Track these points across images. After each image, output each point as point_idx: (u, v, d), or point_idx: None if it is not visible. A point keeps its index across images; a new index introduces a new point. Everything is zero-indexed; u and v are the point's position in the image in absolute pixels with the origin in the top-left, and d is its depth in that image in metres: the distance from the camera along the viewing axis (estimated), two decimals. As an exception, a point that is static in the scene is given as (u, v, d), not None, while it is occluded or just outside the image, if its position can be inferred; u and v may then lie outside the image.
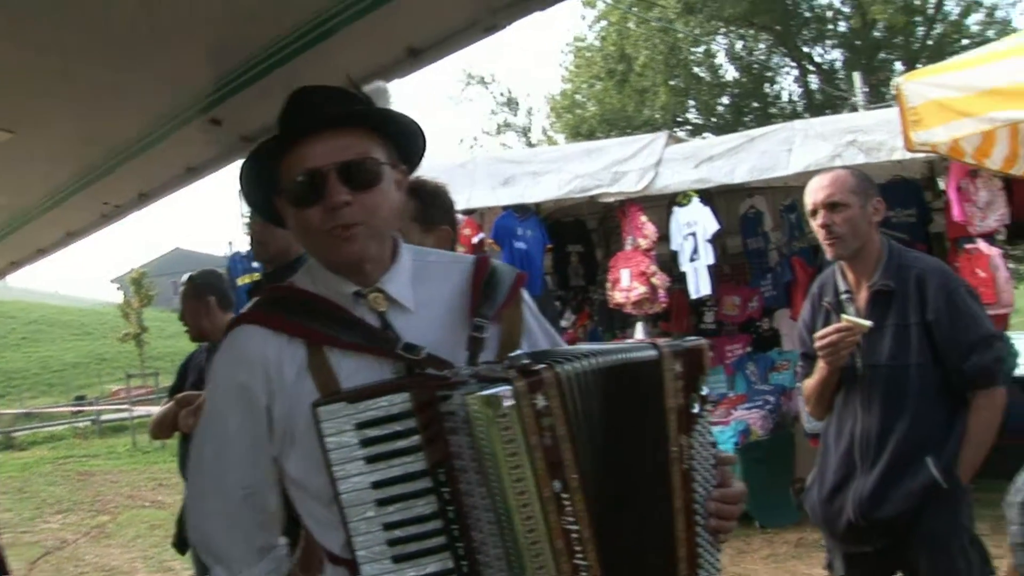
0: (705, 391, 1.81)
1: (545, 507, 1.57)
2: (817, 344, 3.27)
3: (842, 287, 3.44)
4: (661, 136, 8.08)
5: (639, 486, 1.74)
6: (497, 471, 1.56)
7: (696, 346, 1.80)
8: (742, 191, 8.52)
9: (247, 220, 3.71)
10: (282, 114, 1.78)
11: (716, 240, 7.90)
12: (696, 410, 1.78)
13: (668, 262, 8.09)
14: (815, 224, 3.40)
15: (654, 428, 1.75)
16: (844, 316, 3.28)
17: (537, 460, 1.56)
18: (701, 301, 8.57)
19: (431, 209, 3.14)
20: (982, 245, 6.02)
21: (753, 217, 8.84)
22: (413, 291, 1.85)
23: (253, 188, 1.88)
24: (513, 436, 1.54)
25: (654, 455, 1.75)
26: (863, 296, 3.37)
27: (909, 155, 5.04)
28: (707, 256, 7.79)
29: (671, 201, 7.93)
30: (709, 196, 7.83)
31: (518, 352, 1.67)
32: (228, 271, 8.61)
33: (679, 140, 8.75)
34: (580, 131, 27.32)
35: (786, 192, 8.14)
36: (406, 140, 1.87)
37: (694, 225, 7.81)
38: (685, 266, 7.88)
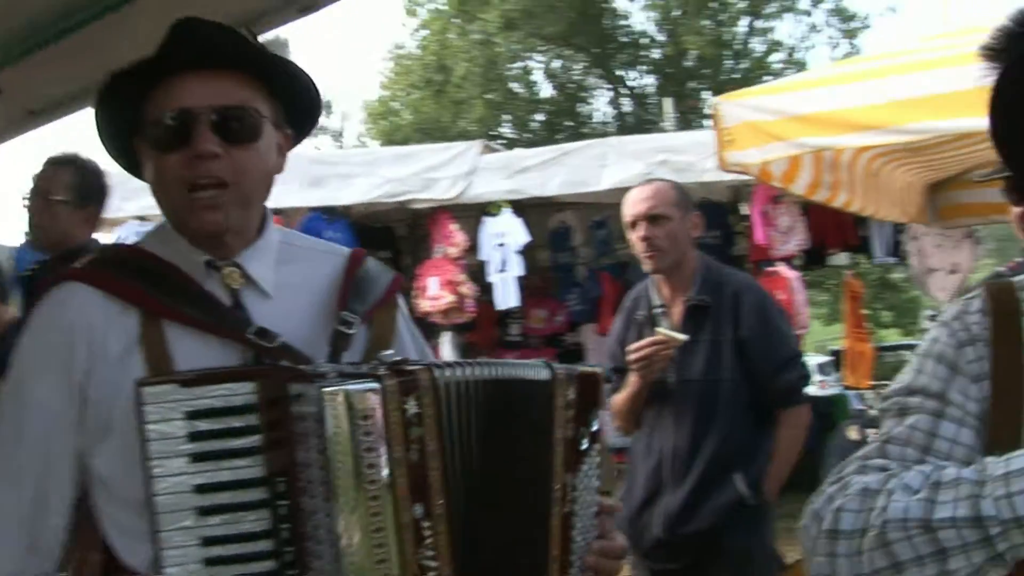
0: (596, 426, 1.58)
1: (401, 536, 1.30)
2: (631, 357, 3.22)
3: (656, 301, 3.40)
4: (475, 145, 8.00)
5: (513, 524, 1.49)
6: (349, 486, 1.28)
7: (593, 373, 1.60)
8: (552, 205, 8.52)
9: (26, 202, 3.39)
10: (161, 43, 1.47)
11: (525, 252, 7.86)
12: (585, 446, 1.56)
13: (477, 272, 8.00)
14: (634, 236, 3.34)
15: (538, 459, 1.51)
16: (659, 329, 3.23)
17: (399, 477, 1.31)
18: (508, 313, 8.51)
19: (89, 188, 3.12)
20: (782, 268, 6.18)
21: (563, 232, 8.85)
22: (275, 273, 1.58)
23: (108, 123, 1.56)
24: (374, 445, 1.28)
25: (534, 490, 1.51)
26: (678, 310, 3.34)
27: (717, 177, 5.10)
28: (516, 268, 7.73)
29: (481, 211, 7.84)
30: (520, 208, 7.78)
31: (390, 352, 1.43)
32: (15, 262, 8.01)
33: (493, 150, 8.69)
34: (394, 138, 27.11)
35: (597, 208, 8.18)
36: (299, 102, 1.61)
37: (504, 236, 7.73)
38: (493, 277, 7.78)
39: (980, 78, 3.69)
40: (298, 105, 1.61)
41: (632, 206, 3.35)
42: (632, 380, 3.28)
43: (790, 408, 3.33)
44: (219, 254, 1.55)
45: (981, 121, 3.74)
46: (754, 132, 3.93)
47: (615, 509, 1.66)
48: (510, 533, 1.49)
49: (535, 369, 1.53)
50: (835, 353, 31.42)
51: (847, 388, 9.90)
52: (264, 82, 1.54)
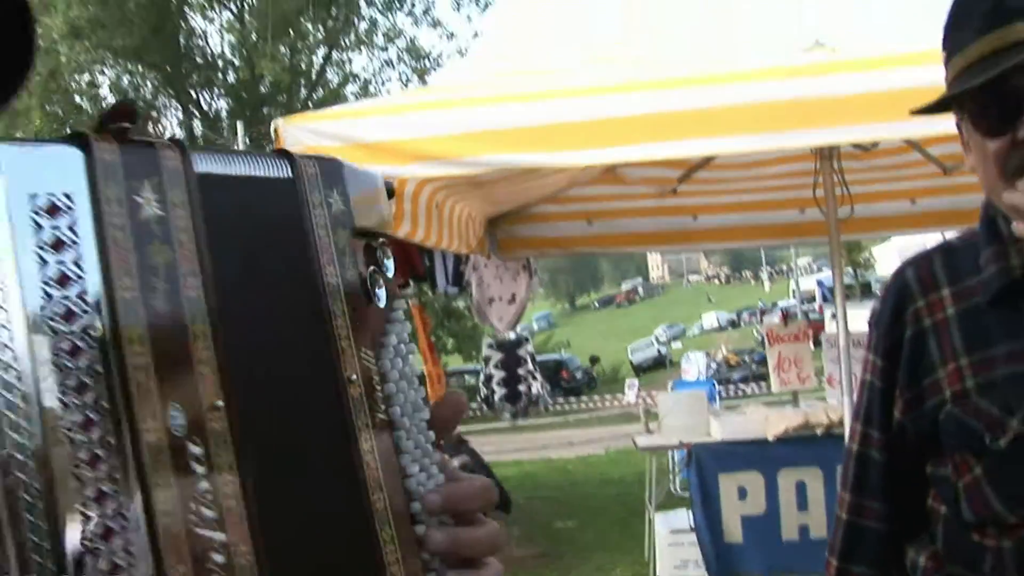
0: (390, 271, 0.93)
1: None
2: None
3: None
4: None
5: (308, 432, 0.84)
6: None
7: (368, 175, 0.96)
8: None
9: None
10: None
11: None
12: (382, 302, 0.90)
13: None
14: None
15: (310, 315, 0.86)
16: None
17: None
18: None
19: None
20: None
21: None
22: None
23: None
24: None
25: (321, 373, 0.86)
26: None
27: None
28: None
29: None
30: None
31: None
32: None
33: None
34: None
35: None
36: None
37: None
38: None
39: (545, 114, 3.80)
40: None
41: None
42: None
43: None
44: None
45: (538, 157, 3.92)
46: (317, 158, 3.84)
47: (451, 422, 0.96)
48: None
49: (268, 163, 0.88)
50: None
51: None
52: None
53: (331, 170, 0.91)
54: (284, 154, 0.90)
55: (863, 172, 6.20)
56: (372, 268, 0.92)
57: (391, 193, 0.99)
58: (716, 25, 4.49)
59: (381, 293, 0.92)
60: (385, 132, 3.87)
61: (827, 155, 5.34)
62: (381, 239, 0.94)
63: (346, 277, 0.89)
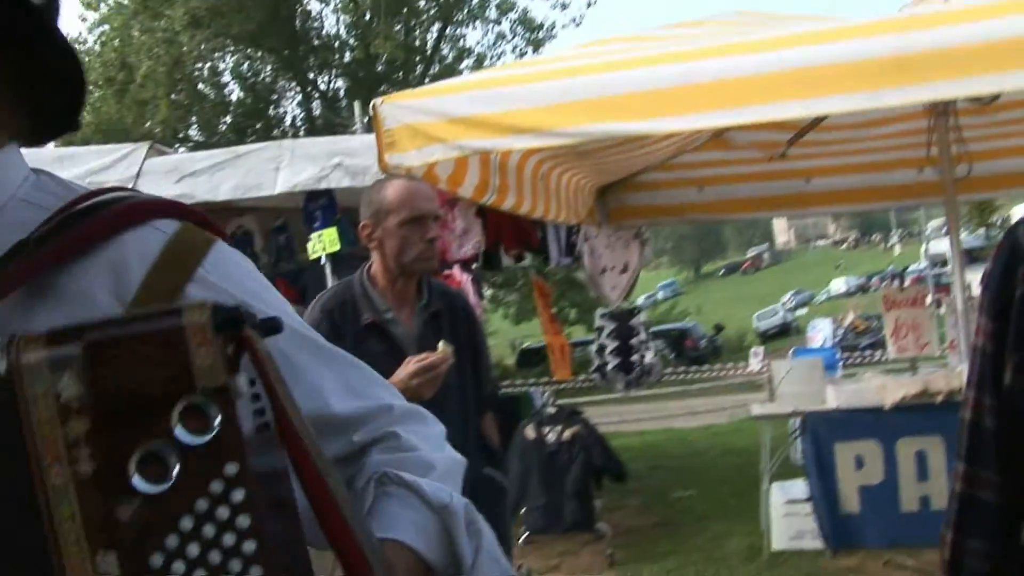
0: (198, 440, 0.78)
1: None
2: (420, 376, 3.00)
3: (382, 305, 3.27)
4: (142, 147, 7.54)
5: None
6: None
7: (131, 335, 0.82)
8: (232, 210, 8.19)
9: None
10: None
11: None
12: (164, 484, 0.78)
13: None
14: (415, 235, 3.22)
15: (20, 526, 0.79)
16: (441, 344, 3.11)
17: None
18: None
19: None
20: (456, 272, 6.19)
21: (243, 238, 8.54)
22: None
23: None
24: None
25: None
26: (408, 317, 3.30)
27: (393, 180, 5.03)
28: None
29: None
30: (195, 212, 7.41)
31: None
32: None
33: (162, 152, 8.25)
34: (73, 140, 25.49)
35: (276, 213, 7.95)
36: None
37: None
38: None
39: (644, 81, 3.75)
40: None
41: (418, 202, 3.25)
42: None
43: (488, 412, 3.54)
44: None
45: (643, 125, 3.88)
46: (414, 134, 3.87)
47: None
48: None
49: None
50: (524, 352, 32.66)
51: (532, 385, 10.18)
52: None
53: (62, 357, 0.80)
54: (8, 343, 0.82)
55: (983, 128, 5.96)
56: (147, 446, 0.78)
57: (235, 323, 0.82)
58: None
59: (162, 474, 0.78)
60: (481, 106, 3.88)
61: (941, 111, 5.16)
62: (185, 402, 0.78)
63: (79, 472, 0.78)
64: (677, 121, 3.83)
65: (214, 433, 0.77)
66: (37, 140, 1.19)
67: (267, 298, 1.14)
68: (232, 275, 1.10)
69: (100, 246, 1.03)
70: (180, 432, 0.77)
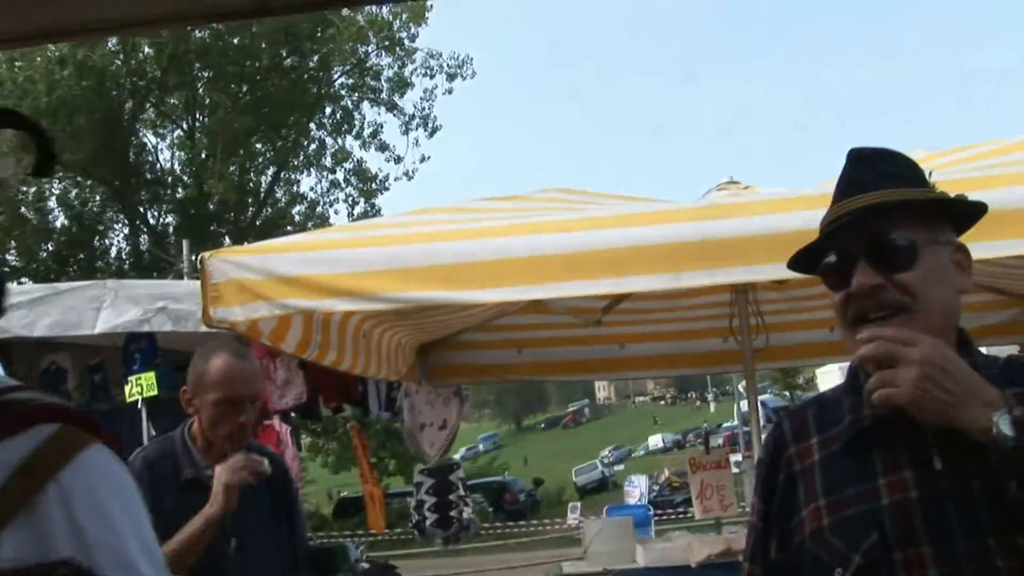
0: None
1: None
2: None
3: (201, 463, 3.39)
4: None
5: None
6: None
7: None
8: (45, 345, 7.97)
9: None
10: None
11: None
12: None
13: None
14: (229, 415, 3.35)
15: None
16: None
17: None
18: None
19: None
20: (275, 422, 6.19)
21: (56, 374, 8.29)
22: None
23: None
24: None
25: None
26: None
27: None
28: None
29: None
30: (6, 346, 7.19)
31: None
32: None
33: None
34: None
35: (94, 351, 7.78)
36: None
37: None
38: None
39: (459, 253, 3.96)
40: None
41: (237, 386, 3.33)
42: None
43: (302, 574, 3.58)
44: None
45: (461, 295, 4.03)
46: (240, 290, 3.94)
47: None
48: None
49: None
50: (342, 501, 32.00)
51: (347, 536, 10.02)
52: None
53: None
54: None
55: (778, 303, 6.41)
56: None
57: None
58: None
59: None
60: (307, 267, 3.99)
61: (741, 288, 5.55)
62: None
63: None
64: (494, 293, 4.02)
65: None
66: None
67: (113, 517, 1.23)
68: (83, 490, 1.20)
69: None
70: None
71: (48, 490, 1.16)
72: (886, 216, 1.81)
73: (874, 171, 1.89)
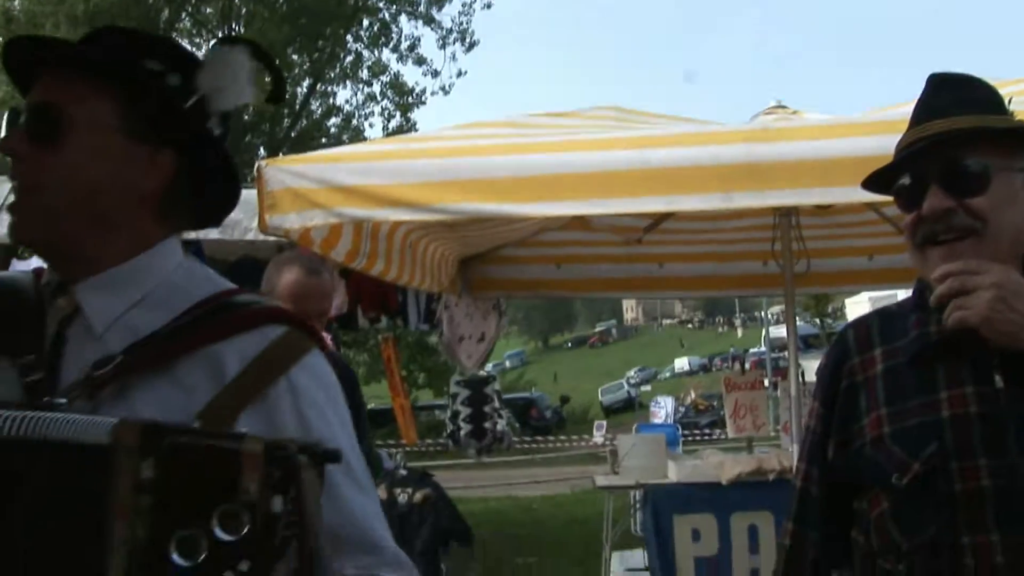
0: (227, 533, 1.04)
1: None
2: None
3: None
4: None
5: None
6: None
7: (208, 447, 1.09)
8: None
9: None
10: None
11: None
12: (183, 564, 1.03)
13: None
14: None
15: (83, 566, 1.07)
16: None
17: None
18: None
19: None
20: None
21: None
22: (122, 312, 1.32)
23: None
24: None
25: None
26: None
27: (262, 236, 5.14)
28: None
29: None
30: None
31: None
32: None
33: None
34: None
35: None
36: (171, 114, 1.39)
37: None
38: None
39: (513, 167, 4.01)
40: (174, 120, 1.42)
41: (306, 303, 3.54)
42: None
43: None
44: (66, 272, 1.39)
45: (514, 208, 4.10)
46: (295, 198, 4.01)
47: None
48: None
49: (87, 427, 1.10)
50: (369, 412, 32.41)
51: (379, 446, 10.20)
52: (118, 87, 1.38)
53: (149, 447, 1.07)
54: (118, 424, 1.10)
55: (821, 229, 6.44)
56: (189, 531, 1.04)
57: (285, 460, 1.09)
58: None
59: (197, 548, 1.04)
60: (362, 177, 4.05)
61: (785, 212, 5.57)
62: (225, 507, 1.04)
63: (136, 535, 1.05)
64: (546, 206, 4.06)
65: (240, 535, 1.04)
66: (193, 229, 1.53)
67: (331, 418, 1.41)
68: (308, 389, 1.37)
69: (214, 345, 1.31)
70: (216, 527, 1.04)
71: (280, 384, 1.32)
72: (961, 142, 1.84)
73: (952, 96, 1.92)
